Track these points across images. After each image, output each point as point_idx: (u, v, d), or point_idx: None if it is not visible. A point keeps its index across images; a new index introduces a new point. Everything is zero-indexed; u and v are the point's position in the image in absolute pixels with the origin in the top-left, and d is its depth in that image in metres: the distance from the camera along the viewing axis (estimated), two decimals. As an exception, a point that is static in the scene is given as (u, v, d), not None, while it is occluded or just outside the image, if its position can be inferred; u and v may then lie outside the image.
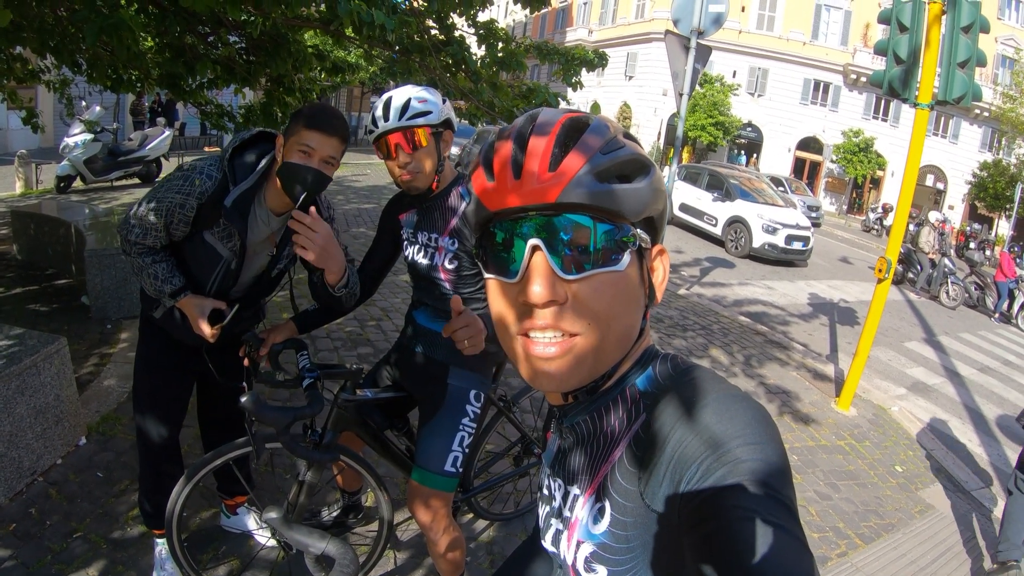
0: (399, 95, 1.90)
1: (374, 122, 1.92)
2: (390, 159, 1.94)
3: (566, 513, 0.82)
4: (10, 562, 2.41)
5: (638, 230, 0.73)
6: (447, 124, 1.99)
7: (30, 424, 2.80)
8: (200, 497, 2.81)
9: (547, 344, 0.71)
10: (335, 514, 2.81)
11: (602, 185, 0.69)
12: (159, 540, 2.43)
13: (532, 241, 0.70)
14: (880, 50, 5.22)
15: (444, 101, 1.98)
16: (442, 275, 2.10)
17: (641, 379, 0.79)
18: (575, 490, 0.81)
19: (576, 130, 0.71)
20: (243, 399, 1.62)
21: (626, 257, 0.71)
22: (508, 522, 3.09)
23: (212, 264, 2.04)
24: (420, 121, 1.89)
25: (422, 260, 2.13)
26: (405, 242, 2.21)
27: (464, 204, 2.06)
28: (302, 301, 2.31)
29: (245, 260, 2.07)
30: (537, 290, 0.68)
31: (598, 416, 0.80)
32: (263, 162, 1.99)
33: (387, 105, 1.89)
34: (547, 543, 0.88)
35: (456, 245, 2.05)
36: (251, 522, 2.70)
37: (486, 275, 0.77)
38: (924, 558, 3.57)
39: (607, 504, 0.74)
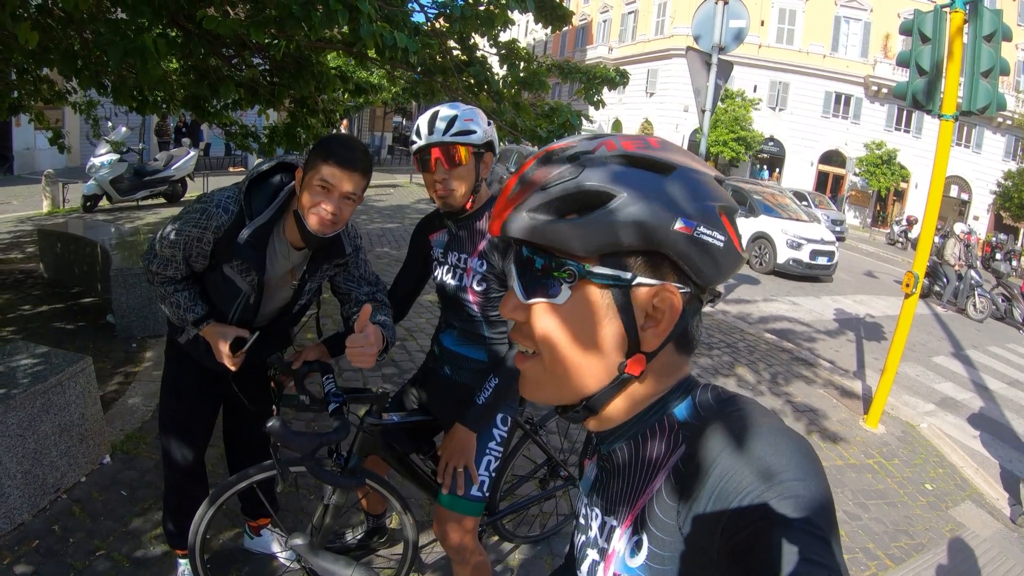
0: (446, 110, 1.89)
1: (417, 133, 1.90)
2: (428, 172, 1.92)
3: (602, 544, 0.80)
4: (32, 579, 2.42)
5: (598, 267, 0.69)
6: (489, 146, 1.97)
7: (55, 442, 2.81)
8: (223, 517, 2.79)
9: (521, 355, 0.79)
10: (359, 536, 2.78)
11: (538, 221, 0.70)
12: (182, 560, 2.42)
13: (511, 264, 0.77)
14: (902, 62, 5.16)
15: (489, 123, 1.96)
16: (470, 297, 2.08)
17: (680, 408, 0.76)
18: (612, 521, 0.79)
19: (546, 162, 0.73)
20: (269, 424, 1.60)
21: (564, 291, 0.71)
22: (534, 544, 3.05)
23: (232, 297, 2.02)
24: (463, 139, 1.87)
25: (450, 281, 2.11)
26: (434, 262, 2.19)
27: None
28: (326, 321, 2.29)
29: (265, 294, 2.05)
30: (505, 306, 0.76)
31: (635, 445, 0.78)
32: (280, 195, 1.95)
33: (433, 119, 1.88)
34: (582, 573, 0.85)
35: (485, 267, 2.03)
36: (274, 544, 2.67)
37: None
38: (956, 579, 3.47)
39: (644, 537, 0.71)
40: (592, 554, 0.83)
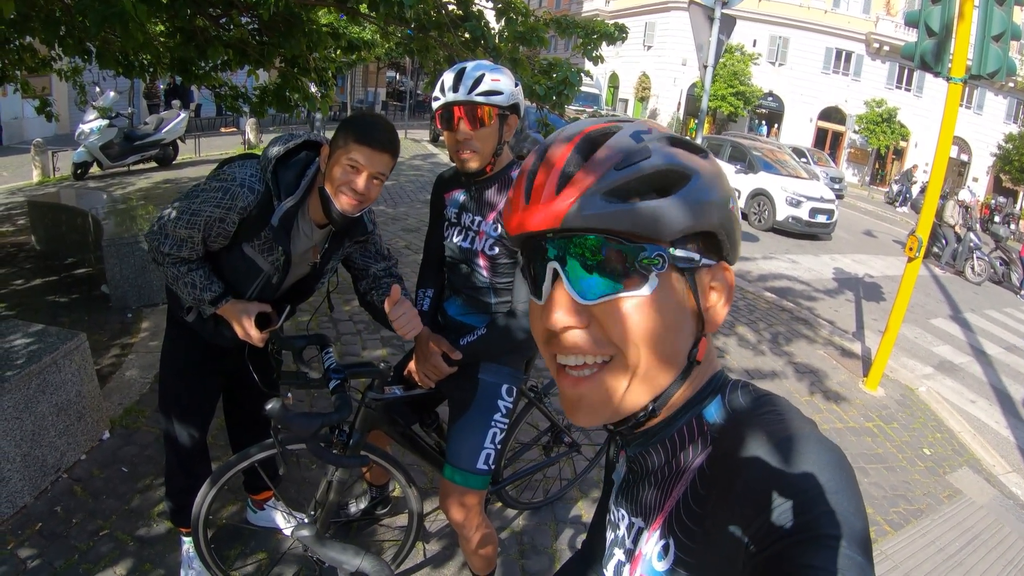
0: (474, 67, 1.81)
1: (441, 89, 1.82)
2: (449, 131, 1.85)
3: (629, 545, 0.78)
4: (37, 562, 2.40)
5: (676, 250, 0.65)
6: (515, 109, 1.89)
7: (52, 422, 2.78)
8: (227, 491, 2.77)
9: (574, 370, 0.69)
10: (363, 507, 2.78)
11: (616, 205, 0.63)
12: (185, 538, 2.40)
13: (551, 264, 0.67)
14: (911, 21, 5.02)
15: (516, 84, 1.88)
16: (481, 261, 2.02)
17: (709, 409, 0.72)
18: (639, 522, 0.77)
19: (593, 145, 0.66)
20: (268, 406, 1.55)
21: (652, 280, 0.64)
22: (538, 511, 3.05)
23: (251, 276, 1.96)
24: (488, 100, 1.79)
25: (462, 243, 2.05)
26: (446, 223, 2.12)
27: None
28: (335, 297, 2.24)
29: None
30: (555, 316, 0.66)
31: (662, 447, 0.74)
32: (308, 174, 1.89)
33: (459, 75, 1.80)
34: (608, 572, 0.83)
35: (499, 231, 1.97)
36: (278, 518, 2.66)
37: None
38: (952, 545, 3.50)
39: (671, 542, 0.69)
40: (619, 554, 0.81)
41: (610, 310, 0.64)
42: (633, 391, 0.68)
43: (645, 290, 0.64)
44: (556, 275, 0.66)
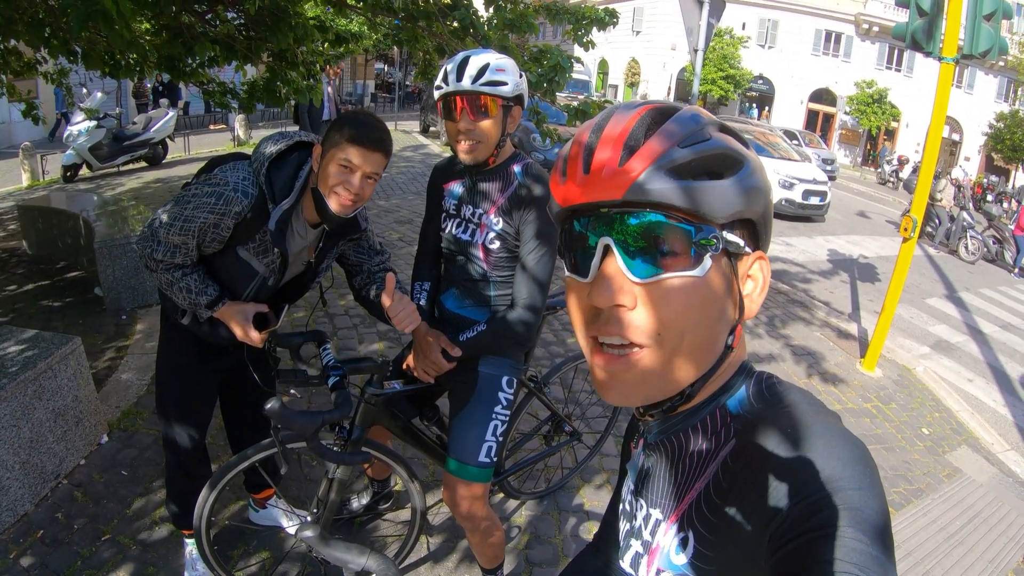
0: (478, 57, 1.78)
1: (444, 78, 1.80)
2: (451, 121, 1.83)
3: (646, 537, 0.77)
4: (39, 570, 2.38)
5: (726, 233, 0.65)
6: (519, 100, 1.87)
7: (50, 428, 2.75)
8: (228, 491, 2.76)
9: (613, 354, 0.66)
10: (365, 502, 2.77)
11: (679, 181, 0.62)
12: (188, 540, 2.39)
13: (603, 240, 0.65)
14: (902, 2, 5.06)
15: (520, 76, 1.85)
16: (480, 254, 2.00)
17: (732, 400, 0.72)
18: (657, 514, 0.76)
19: (655, 122, 0.65)
20: (267, 406, 1.53)
21: (706, 262, 0.64)
22: (540, 500, 3.05)
23: (247, 279, 1.94)
24: (492, 90, 1.77)
25: (461, 236, 2.02)
26: (443, 214, 2.10)
27: (516, 184, 1.94)
28: (329, 293, 2.22)
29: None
30: (604, 292, 0.64)
31: (684, 437, 0.74)
32: (301, 175, 1.86)
33: (462, 64, 1.77)
34: (624, 564, 0.83)
35: (501, 225, 1.94)
36: (281, 516, 2.65)
37: (566, 273, 0.72)
38: (953, 524, 3.52)
39: (690, 535, 0.69)
40: (636, 546, 0.80)
41: (661, 290, 0.63)
42: (672, 374, 0.66)
43: (698, 272, 0.63)
44: (607, 252, 0.65)
